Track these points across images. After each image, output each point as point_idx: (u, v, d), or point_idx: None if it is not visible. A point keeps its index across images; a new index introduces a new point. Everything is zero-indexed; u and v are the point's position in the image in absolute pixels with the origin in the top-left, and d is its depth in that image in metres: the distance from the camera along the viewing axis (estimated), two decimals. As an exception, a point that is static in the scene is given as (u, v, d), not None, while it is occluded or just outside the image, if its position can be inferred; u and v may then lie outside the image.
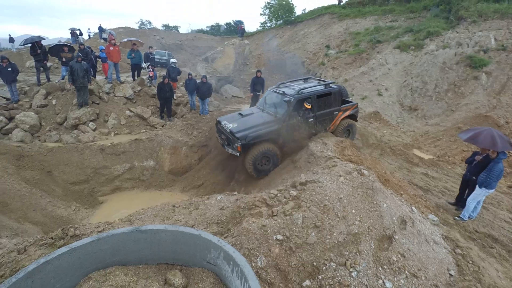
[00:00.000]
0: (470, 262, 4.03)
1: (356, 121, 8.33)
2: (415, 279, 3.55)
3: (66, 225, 3.85)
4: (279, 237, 3.47)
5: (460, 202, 5.76)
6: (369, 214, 4.00)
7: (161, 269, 3.03)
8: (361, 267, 3.48)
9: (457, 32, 16.83)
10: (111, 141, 8.36)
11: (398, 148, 9.00)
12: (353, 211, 3.92)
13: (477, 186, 5.10)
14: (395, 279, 3.51)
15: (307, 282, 3.26)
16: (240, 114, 7.66)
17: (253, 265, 3.19)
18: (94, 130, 8.91)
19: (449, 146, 10.08)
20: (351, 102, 8.21)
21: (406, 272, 3.60)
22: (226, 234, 3.56)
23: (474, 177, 5.31)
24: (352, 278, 3.36)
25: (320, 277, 3.32)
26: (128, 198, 7.57)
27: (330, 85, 7.67)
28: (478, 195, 5.11)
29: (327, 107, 7.43)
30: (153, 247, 3.03)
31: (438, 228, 4.71)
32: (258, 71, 10.27)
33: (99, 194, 7.58)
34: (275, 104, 7.34)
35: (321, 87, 7.49)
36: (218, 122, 7.56)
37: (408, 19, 20.98)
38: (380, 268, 3.59)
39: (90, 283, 2.70)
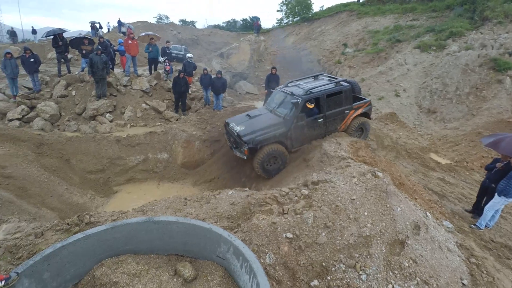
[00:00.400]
0: (485, 272, 3.90)
1: (370, 119, 8.05)
2: (426, 287, 3.46)
3: (81, 212, 3.98)
4: (289, 235, 3.46)
5: (477, 210, 5.56)
6: (382, 217, 3.92)
7: (172, 259, 3.10)
8: (371, 271, 3.43)
9: (481, 33, 16.11)
10: (127, 132, 8.56)
11: (414, 151, 8.75)
12: (366, 213, 3.86)
13: (496, 194, 4.90)
14: (406, 285, 3.43)
15: (315, 282, 3.24)
16: (248, 115, 7.55)
17: (262, 261, 3.20)
18: (111, 121, 9.15)
19: (468, 152, 9.71)
20: (364, 99, 7.82)
21: (418, 278, 3.52)
22: (236, 229, 3.58)
23: (493, 185, 5.11)
24: (361, 281, 3.31)
25: (328, 277, 3.29)
26: (142, 189, 7.75)
27: (341, 83, 7.35)
28: (497, 203, 4.92)
29: (337, 106, 7.15)
30: (164, 238, 3.10)
31: (452, 236, 4.57)
32: (273, 68, 10.20)
33: (114, 184, 7.80)
34: (283, 104, 7.18)
35: (331, 86, 7.19)
36: (227, 124, 7.51)
37: (430, 18, 20.25)
38: (391, 273, 3.52)
39: (103, 269, 2.80)
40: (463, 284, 3.63)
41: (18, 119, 8.43)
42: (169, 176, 8.11)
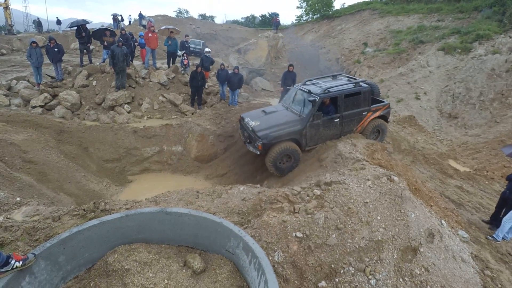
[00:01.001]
0: (499, 285, 3.75)
1: (388, 122, 7.85)
2: (439, 297, 3.37)
3: (97, 199, 4.11)
4: (299, 234, 3.44)
5: (495, 221, 5.34)
6: (395, 222, 3.83)
7: (182, 251, 3.15)
8: (381, 276, 3.36)
9: (510, 37, 15.28)
10: (144, 124, 8.75)
11: (432, 157, 8.47)
12: (378, 217, 3.78)
13: None
14: (417, 293, 3.35)
15: (323, 283, 3.21)
16: (263, 111, 7.53)
17: (270, 259, 3.20)
18: (128, 112, 9.37)
19: (489, 160, 9.30)
20: (383, 101, 7.66)
21: (429, 287, 3.43)
22: (246, 225, 3.60)
23: None
24: (370, 286, 3.26)
25: (337, 280, 3.26)
26: (155, 179, 7.93)
27: (360, 83, 7.20)
28: None
29: (355, 107, 7.02)
30: (176, 229, 3.15)
31: (467, 246, 4.42)
32: (290, 65, 10.09)
33: (129, 173, 8.01)
34: (300, 102, 7.09)
35: (350, 86, 7.05)
36: (242, 119, 7.51)
37: (456, 19, 19.37)
38: (401, 280, 3.45)
39: (116, 256, 2.88)
40: (476, 297, 3.51)
41: (40, 106, 8.76)
42: (182, 168, 8.24)
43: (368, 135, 7.43)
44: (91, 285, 2.72)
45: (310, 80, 7.93)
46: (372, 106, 7.31)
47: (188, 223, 3.10)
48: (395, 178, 4.34)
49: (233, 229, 2.91)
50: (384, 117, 7.63)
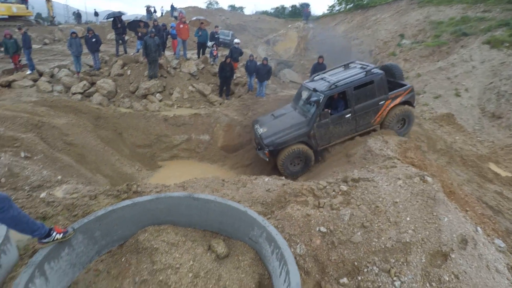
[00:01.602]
0: None
1: (413, 107, 7.06)
2: (465, 305, 3.19)
3: (130, 182, 4.36)
4: (323, 229, 3.41)
5: None
6: (426, 225, 3.65)
7: (207, 235, 3.27)
8: (406, 279, 3.24)
9: None
10: (174, 112, 9.07)
11: (470, 159, 7.88)
12: (408, 218, 3.62)
13: None
14: (443, 299, 3.19)
15: (345, 280, 3.17)
16: (272, 115, 7.29)
17: (292, 251, 3.21)
18: (160, 101, 9.75)
19: (535, 166, 8.45)
20: (405, 85, 6.85)
21: (457, 295, 3.25)
22: (269, 216, 3.63)
23: None
24: (394, 287, 3.16)
25: (359, 278, 3.20)
26: (183, 166, 8.24)
27: (372, 71, 6.48)
28: None
29: (368, 98, 6.40)
30: (202, 214, 3.26)
31: (504, 256, 4.09)
32: (320, 57, 9.79)
33: (159, 159, 8.39)
34: (306, 101, 6.70)
35: (360, 76, 6.41)
36: (253, 125, 7.37)
37: (504, 10, 17.44)
38: (428, 285, 3.30)
39: (146, 235, 3.06)
40: (507, 310, 3.27)
41: (80, 93, 9.38)
42: (209, 157, 8.46)
43: (390, 126, 6.76)
44: (123, 260, 2.91)
45: (318, 74, 7.46)
46: (390, 92, 6.58)
47: (214, 210, 3.20)
48: (429, 179, 4.11)
49: (257, 219, 2.96)
50: (408, 103, 6.86)
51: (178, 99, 9.93)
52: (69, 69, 10.63)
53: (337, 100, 6.55)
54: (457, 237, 3.72)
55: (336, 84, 6.31)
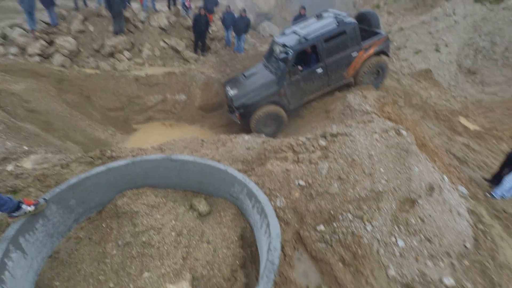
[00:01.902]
0: (489, 239, 3.90)
1: (388, 56, 6.73)
2: (429, 243, 3.55)
3: (103, 147, 4.17)
4: (301, 183, 3.51)
5: (496, 179, 5.36)
6: (398, 175, 3.86)
7: (188, 195, 3.27)
8: (377, 223, 3.51)
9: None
10: (145, 72, 8.46)
11: (443, 113, 8.22)
12: (382, 169, 3.80)
13: None
14: (409, 239, 3.52)
15: (321, 227, 3.38)
16: (243, 75, 6.88)
17: (273, 204, 3.32)
18: (129, 59, 8.99)
19: (501, 120, 9.01)
20: (380, 33, 6.43)
21: (421, 235, 3.59)
22: (250, 173, 3.66)
23: None
24: (366, 231, 3.42)
25: (335, 224, 3.42)
26: (160, 128, 7.97)
27: (344, 20, 5.99)
28: None
29: (340, 50, 6.00)
30: (181, 176, 3.22)
31: (465, 201, 4.51)
32: (302, 7, 9.14)
33: (134, 122, 8.03)
34: (277, 57, 6.29)
35: (331, 27, 5.93)
36: (224, 86, 7.01)
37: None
38: (396, 227, 3.60)
39: (124, 199, 3.00)
40: (465, 246, 3.69)
41: (38, 54, 8.41)
42: (186, 117, 8.20)
43: (364, 78, 6.53)
44: (103, 225, 2.89)
45: (289, 27, 6.89)
46: (364, 43, 6.22)
47: (193, 170, 3.16)
48: (403, 132, 4.25)
49: (237, 176, 2.96)
50: (383, 53, 6.53)
51: (149, 57, 9.20)
52: (22, 27, 9.35)
53: (309, 54, 6.15)
54: (425, 185, 4.00)
55: (305, 37, 5.89)
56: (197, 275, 2.39)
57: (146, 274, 2.31)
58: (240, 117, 6.22)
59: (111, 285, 2.34)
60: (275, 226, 2.47)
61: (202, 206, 3.03)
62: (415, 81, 10.14)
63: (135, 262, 2.45)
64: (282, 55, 5.93)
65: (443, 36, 13.40)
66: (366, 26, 6.77)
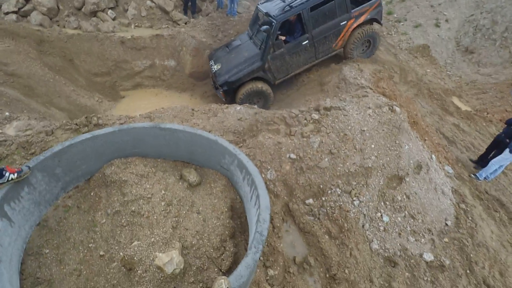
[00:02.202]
0: (470, 218, 4.08)
1: (380, 24, 6.28)
2: (412, 220, 3.71)
3: (89, 114, 3.99)
4: (293, 156, 3.51)
5: (482, 161, 5.53)
6: (388, 152, 3.90)
7: (178, 165, 3.22)
8: (364, 198, 3.61)
9: None
10: (131, 33, 7.89)
11: (436, 92, 8.20)
12: (373, 145, 3.82)
13: (507, 150, 4.78)
14: (393, 215, 3.67)
15: (310, 200, 3.45)
16: (227, 47, 6.41)
17: (263, 176, 3.33)
18: (113, 19, 8.33)
19: (493, 102, 9.07)
20: None
21: (406, 212, 3.73)
22: (241, 145, 3.62)
23: (508, 140, 4.94)
24: (353, 206, 3.52)
25: (323, 198, 3.49)
26: (149, 95, 7.66)
27: None
28: (505, 159, 4.86)
29: (328, 19, 5.54)
30: (171, 145, 3.14)
31: (450, 181, 4.66)
32: None
33: (121, 89, 7.67)
34: (259, 29, 5.81)
35: None
36: (209, 59, 6.53)
37: None
38: (382, 203, 3.72)
39: (113, 168, 2.93)
40: (446, 224, 3.87)
41: (14, 12, 7.64)
42: (176, 85, 7.87)
43: (353, 49, 6.12)
44: (92, 194, 2.84)
45: None
46: (354, 10, 5.71)
47: (183, 140, 3.07)
48: (397, 109, 4.22)
49: (228, 147, 2.91)
50: (375, 20, 6.04)
51: (135, 17, 8.55)
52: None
53: (294, 24, 5.69)
54: (413, 163, 4.08)
55: (290, 5, 5.40)
56: (187, 244, 2.42)
57: (135, 243, 2.33)
58: (224, 95, 5.95)
59: (101, 252, 2.35)
60: (264, 198, 2.48)
61: (192, 176, 3.00)
62: (412, 57, 9.97)
63: (124, 231, 2.46)
64: (264, 27, 5.47)
65: (444, 11, 12.95)
66: None
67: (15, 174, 2.33)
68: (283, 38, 5.64)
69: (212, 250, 2.45)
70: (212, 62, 6.42)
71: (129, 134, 3.04)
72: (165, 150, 3.21)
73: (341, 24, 5.74)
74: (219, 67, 6.10)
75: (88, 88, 7.24)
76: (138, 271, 2.15)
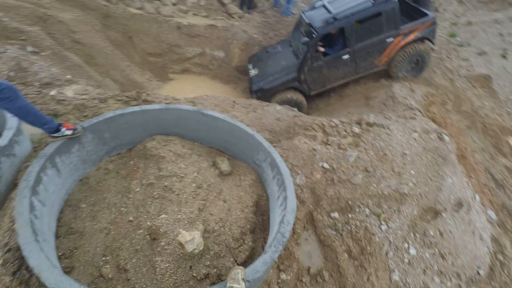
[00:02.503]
0: (506, 272, 3.69)
1: (433, 43, 5.92)
2: (441, 260, 3.44)
3: (140, 90, 4.24)
4: (326, 165, 3.43)
5: None
6: (428, 181, 3.66)
7: (212, 152, 3.31)
8: (393, 225, 3.42)
9: None
10: (188, 20, 8.25)
11: (492, 128, 7.49)
12: (412, 171, 3.61)
13: None
14: (422, 250, 3.43)
15: (336, 214, 3.35)
16: (267, 52, 6.33)
17: (292, 180, 3.29)
18: (174, 5, 8.79)
19: (553, 150, 8.11)
20: (426, 15, 5.46)
21: (436, 249, 3.47)
22: (276, 144, 3.62)
23: None
24: (379, 230, 3.35)
25: (350, 215, 3.37)
26: (195, 82, 7.95)
27: None
28: None
29: (373, 35, 5.26)
30: (209, 131, 3.23)
31: (491, 227, 4.25)
32: None
33: (170, 71, 8.06)
34: (302, 36, 5.63)
35: (365, 5, 5.08)
36: (249, 61, 6.55)
37: None
38: (412, 234, 3.50)
39: (154, 143, 3.09)
40: (478, 272, 3.55)
41: (86, -15, 8.38)
42: (222, 76, 8.09)
43: (398, 68, 5.76)
44: (131, 163, 3.01)
45: (320, 0, 5.96)
46: (403, 27, 5.33)
47: (222, 128, 3.15)
48: (446, 138, 3.95)
49: (263, 143, 2.93)
50: (427, 39, 5.69)
51: (194, 5, 8.91)
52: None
53: (336, 36, 5.47)
54: (454, 199, 3.78)
55: (335, 17, 5.14)
56: (209, 228, 2.48)
57: (163, 216, 2.43)
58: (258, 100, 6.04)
59: (131, 218, 2.49)
60: (292, 200, 2.46)
61: (224, 165, 3.06)
62: (470, 86, 9.19)
63: (155, 203, 2.58)
64: (304, 40, 5.33)
65: (515, 42, 11.79)
66: (413, 2, 5.92)
67: (70, 131, 2.53)
68: (322, 49, 5.48)
69: (231, 240, 2.49)
70: (250, 66, 6.46)
71: (173, 114, 3.19)
72: (203, 135, 3.32)
73: (387, 40, 5.42)
74: (256, 72, 6.14)
75: (141, 65, 7.69)
76: (161, 243, 2.25)
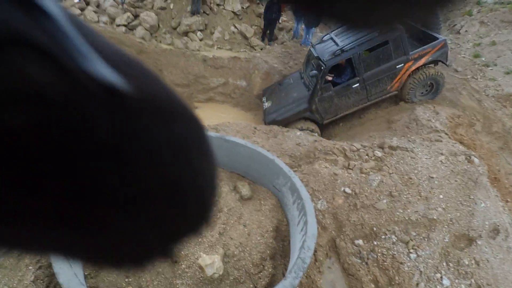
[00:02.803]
0: None
1: (447, 65, 5.88)
2: (478, 291, 3.15)
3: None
4: (348, 190, 3.39)
5: None
6: (459, 206, 3.46)
7: (233, 177, 3.42)
8: (423, 253, 3.22)
9: None
10: (213, 53, 8.87)
11: (528, 149, 7.00)
12: (441, 196, 3.44)
13: None
14: (456, 281, 3.17)
15: (360, 241, 3.24)
16: (279, 84, 6.57)
17: (313, 205, 3.28)
18: (200, 40, 9.52)
19: None
20: (437, 38, 5.45)
21: (473, 280, 3.19)
22: (296, 169, 3.66)
23: None
24: (408, 259, 3.17)
25: (375, 243, 3.24)
26: (218, 109, 8.36)
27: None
28: None
29: (382, 62, 5.33)
30: (231, 156, 3.37)
31: (534, 255, 3.85)
32: None
33: (196, 100, 8.58)
34: (313, 68, 5.82)
35: (370, 36, 5.11)
36: (263, 94, 6.80)
37: None
38: (445, 264, 3.27)
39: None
40: (520, 305, 3.19)
41: (124, 25, 9.38)
42: (243, 104, 8.44)
43: (411, 92, 5.69)
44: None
45: (328, 33, 6.20)
46: (412, 52, 5.32)
47: (243, 154, 3.27)
48: (476, 160, 3.76)
49: (283, 168, 2.99)
50: (440, 62, 5.65)
51: (219, 40, 9.61)
52: (114, -1, 10.54)
53: (344, 67, 5.60)
54: (489, 225, 3.53)
55: (342, 49, 5.26)
56: (229, 253, 2.51)
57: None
58: None
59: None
60: (312, 225, 2.45)
61: (245, 190, 3.14)
62: (500, 106, 8.75)
63: (178, 226, 2.68)
64: (313, 72, 5.56)
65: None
66: (424, 27, 5.88)
67: None
68: (329, 78, 5.61)
69: (251, 265, 2.49)
70: (264, 99, 6.71)
71: (197, 140, 3.39)
72: (225, 160, 3.46)
73: (397, 67, 5.44)
74: (269, 104, 6.36)
75: (169, 96, 8.27)
76: (182, 265, 2.31)
